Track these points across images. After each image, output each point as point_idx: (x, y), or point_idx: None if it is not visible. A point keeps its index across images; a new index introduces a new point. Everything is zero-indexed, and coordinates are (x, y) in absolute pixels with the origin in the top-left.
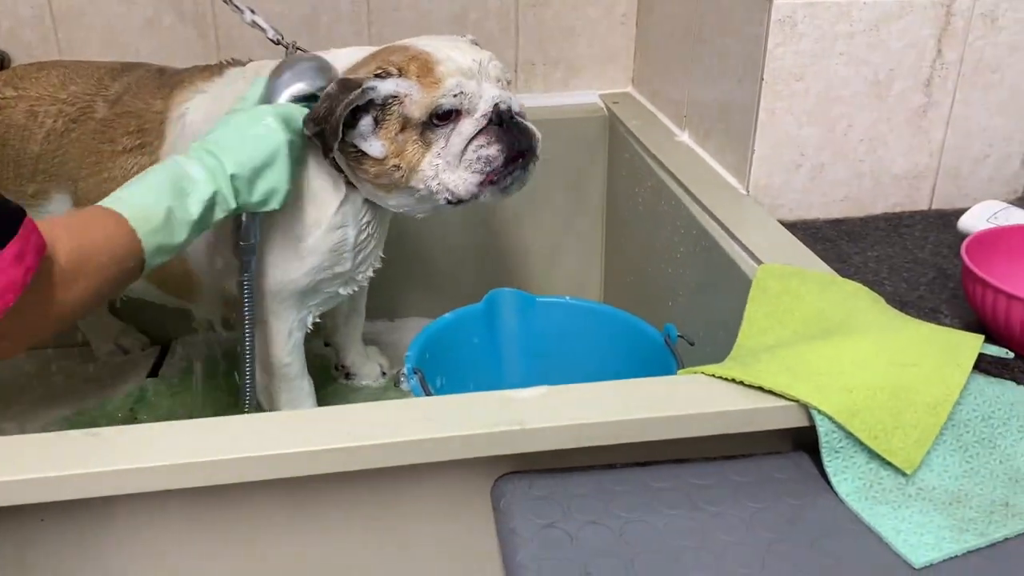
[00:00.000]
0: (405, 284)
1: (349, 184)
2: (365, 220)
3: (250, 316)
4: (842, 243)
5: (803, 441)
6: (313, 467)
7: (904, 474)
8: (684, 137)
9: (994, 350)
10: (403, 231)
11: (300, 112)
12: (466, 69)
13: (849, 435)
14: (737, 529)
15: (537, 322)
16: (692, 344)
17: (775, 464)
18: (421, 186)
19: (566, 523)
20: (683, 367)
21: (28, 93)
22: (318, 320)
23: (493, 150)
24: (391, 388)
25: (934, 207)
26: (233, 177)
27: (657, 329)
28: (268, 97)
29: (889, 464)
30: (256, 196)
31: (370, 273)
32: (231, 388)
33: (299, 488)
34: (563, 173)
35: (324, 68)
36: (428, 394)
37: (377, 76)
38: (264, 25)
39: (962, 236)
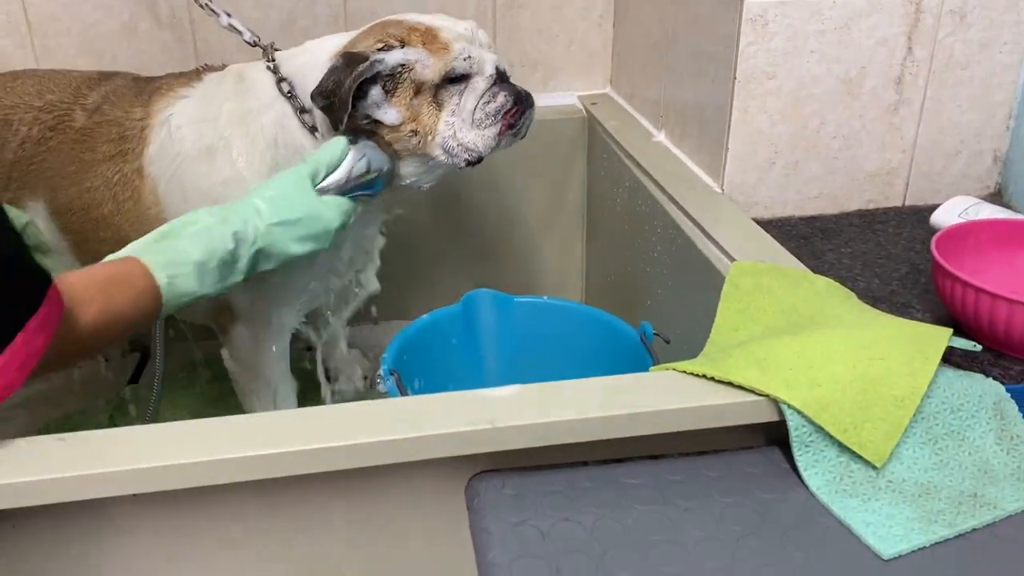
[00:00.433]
0: (387, 286)
1: None
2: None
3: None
4: (816, 240)
5: (775, 436)
6: (288, 468)
7: (874, 467)
8: (661, 137)
9: (962, 343)
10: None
11: (349, 207)
12: (466, 35)
13: (819, 429)
14: (708, 524)
15: (515, 322)
16: (668, 341)
17: (747, 459)
18: (438, 151)
19: (538, 520)
20: (658, 364)
21: (2, 102)
22: (303, 320)
23: (501, 98)
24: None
25: (908, 203)
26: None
27: (634, 327)
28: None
29: (859, 457)
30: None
31: (357, 266)
32: (210, 393)
33: (274, 490)
34: (543, 174)
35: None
36: (404, 395)
37: (380, 50)
38: (240, 28)
39: (935, 231)
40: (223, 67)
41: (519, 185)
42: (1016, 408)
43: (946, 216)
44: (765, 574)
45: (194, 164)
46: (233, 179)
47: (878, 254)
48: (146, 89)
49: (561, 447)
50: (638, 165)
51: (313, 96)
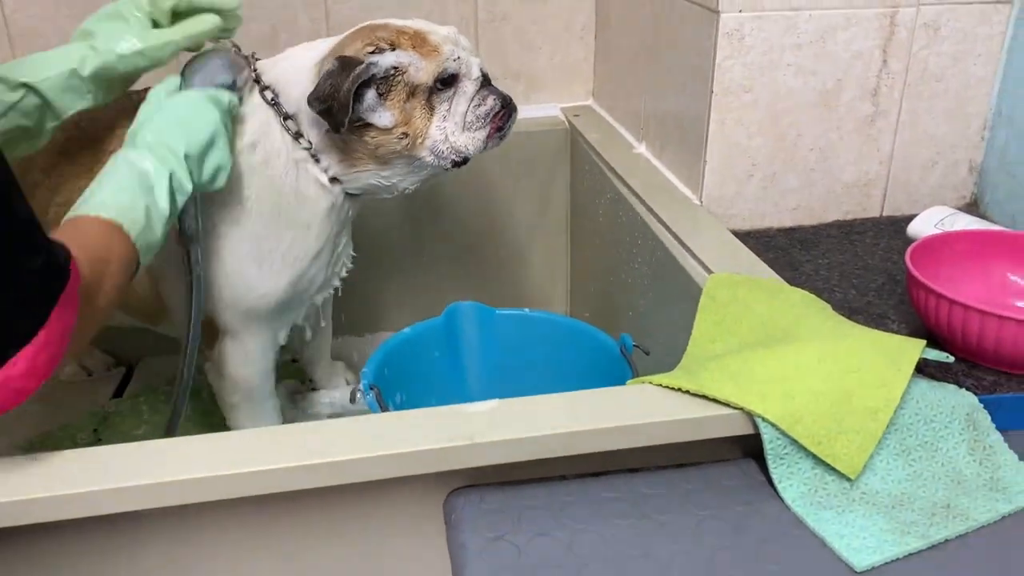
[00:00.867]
0: (372, 299)
1: (334, 181)
2: (347, 216)
3: (196, 321)
4: (794, 251)
5: (751, 448)
6: (266, 487)
7: (848, 479)
8: (642, 149)
9: (935, 354)
10: (369, 246)
11: (224, 94)
12: (452, 38)
13: (793, 442)
14: (684, 537)
15: (497, 335)
16: (648, 353)
17: (723, 472)
18: (426, 152)
19: (515, 536)
20: (638, 376)
21: None
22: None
23: (490, 102)
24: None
25: (886, 214)
26: (186, 158)
27: (616, 339)
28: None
29: (833, 469)
30: (205, 176)
31: (343, 273)
32: (195, 408)
33: (252, 508)
34: (527, 186)
35: (234, 63)
36: (384, 410)
37: (371, 53)
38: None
39: (912, 242)
40: None
41: (503, 197)
42: (988, 418)
43: (923, 226)
44: None
45: None
46: None
47: (855, 265)
48: (126, 105)
49: (539, 462)
50: (619, 177)
51: (310, 101)
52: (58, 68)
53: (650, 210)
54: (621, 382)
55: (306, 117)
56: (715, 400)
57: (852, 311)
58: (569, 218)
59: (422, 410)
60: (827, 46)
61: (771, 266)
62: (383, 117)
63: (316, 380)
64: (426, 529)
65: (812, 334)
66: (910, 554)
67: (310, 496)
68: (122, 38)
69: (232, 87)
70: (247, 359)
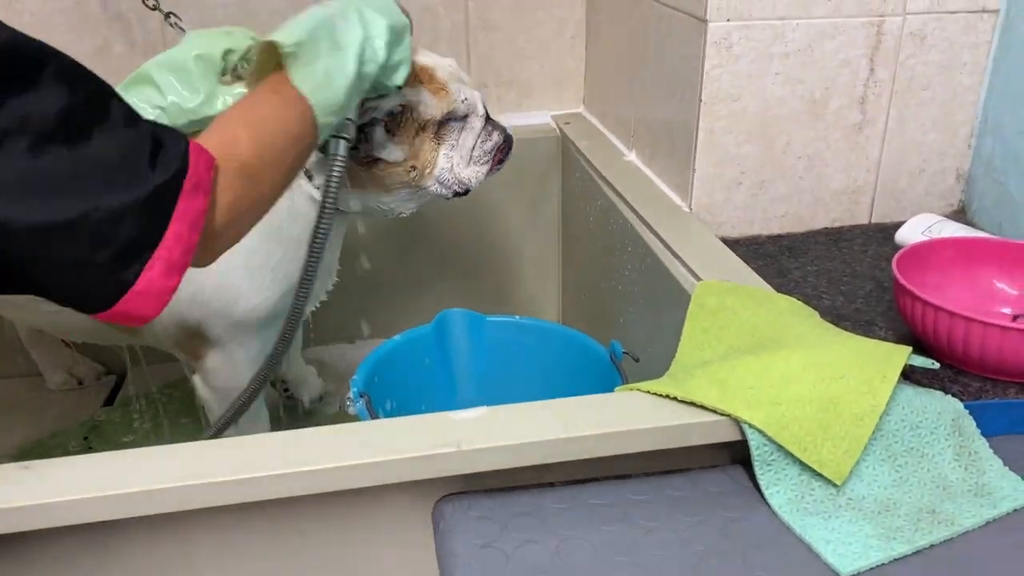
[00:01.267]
0: (362, 306)
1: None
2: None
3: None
4: (783, 258)
5: (739, 455)
6: (254, 494)
7: (834, 485)
8: (632, 157)
9: (920, 361)
10: (359, 252)
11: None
12: (456, 74)
13: (780, 448)
14: (671, 543)
15: (487, 342)
16: (637, 360)
17: (711, 478)
18: (432, 183)
19: (503, 543)
20: (627, 383)
21: None
22: None
23: (496, 137)
24: (328, 405)
25: (874, 221)
26: (387, 28)
27: (606, 346)
28: None
29: (820, 475)
30: (394, 59)
31: (329, 287)
32: (185, 416)
33: (240, 515)
34: (518, 193)
35: None
36: (374, 417)
37: None
38: None
39: (899, 249)
40: None
41: (495, 204)
42: (974, 424)
43: (910, 234)
44: None
45: None
46: None
47: (843, 272)
48: None
49: (527, 469)
50: (609, 184)
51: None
52: None
53: (640, 217)
54: (611, 389)
55: None
56: (702, 407)
57: (840, 318)
58: (560, 225)
59: (410, 417)
60: (815, 55)
61: (760, 273)
62: (393, 152)
63: (289, 384)
64: (414, 536)
65: (799, 341)
66: (896, 560)
67: (298, 504)
68: (195, 95)
69: None
70: (236, 369)
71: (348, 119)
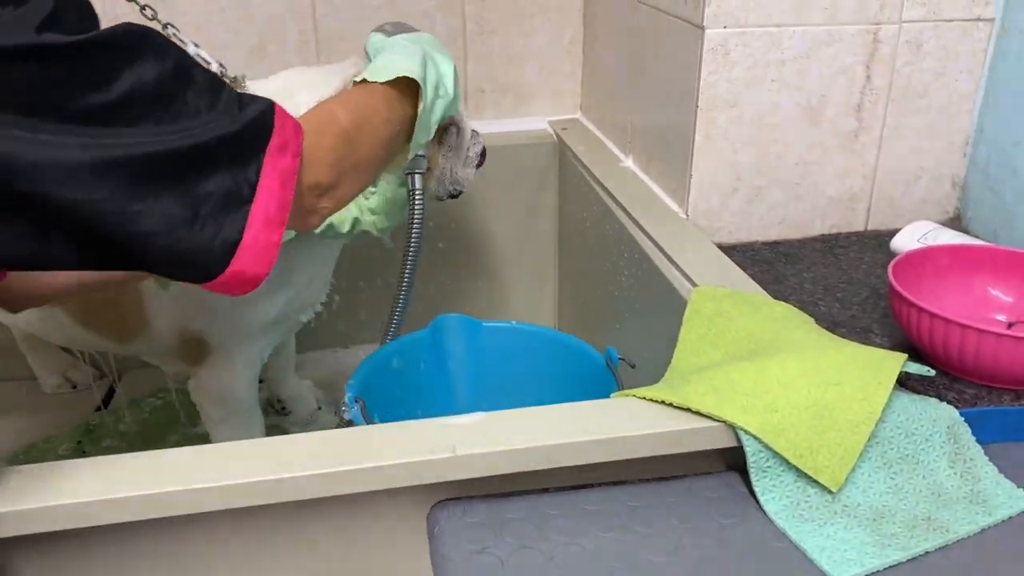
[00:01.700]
0: (358, 311)
1: None
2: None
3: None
4: (779, 264)
5: (735, 461)
6: (249, 498)
7: (830, 491)
8: (628, 162)
9: (916, 368)
10: (355, 257)
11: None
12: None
13: (776, 454)
14: (666, 550)
15: (484, 347)
16: (633, 366)
17: (707, 484)
18: (433, 183)
19: (498, 549)
20: (624, 389)
21: None
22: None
23: (480, 141)
24: (326, 415)
25: (869, 228)
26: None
27: (602, 352)
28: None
29: (815, 482)
30: (458, 95)
31: (323, 297)
32: (179, 420)
33: (235, 520)
34: (515, 199)
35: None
36: (369, 423)
37: None
38: (209, 59)
39: (895, 256)
40: None
41: (491, 209)
42: (969, 432)
43: (906, 241)
44: None
45: None
46: None
47: (839, 278)
48: None
49: (523, 474)
50: (606, 190)
51: None
52: None
53: (636, 223)
54: (607, 395)
55: None
56: (698, 413)
57: (836, 324)
58: (556, 231)
59: (405, 422)
60: (811, 62)
61: (756, 280)
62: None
63: (285, 399)
64: (409, 542)
65: (795, 347)
66: (891, 567)
67: (293, 509)
68: None
69: None
70: (234, 375)
71: (420, 155)
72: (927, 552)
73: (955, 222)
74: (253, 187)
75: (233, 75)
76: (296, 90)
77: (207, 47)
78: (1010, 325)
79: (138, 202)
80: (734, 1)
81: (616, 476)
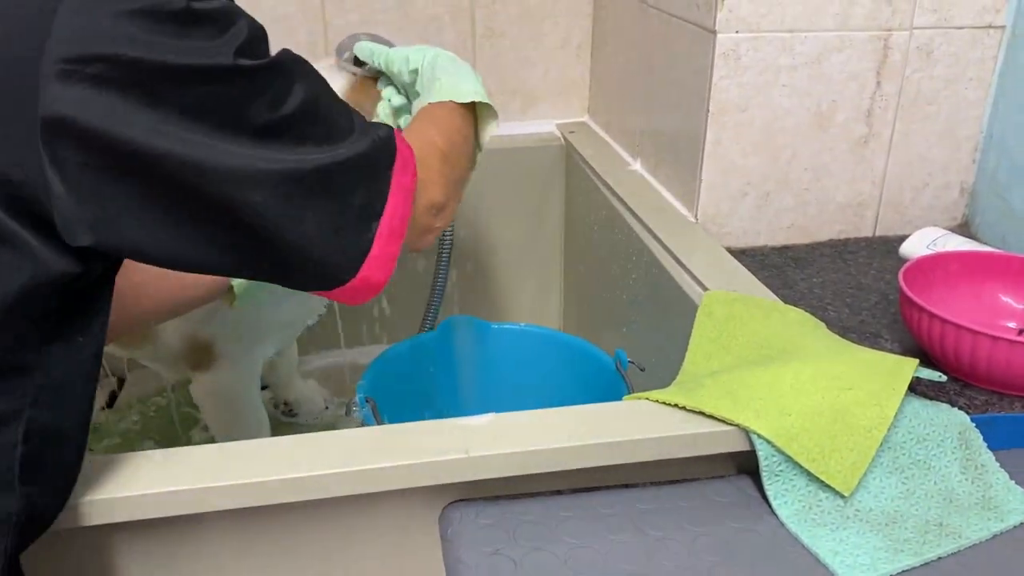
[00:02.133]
0: (362, 311)
1: None
2: None
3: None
4: (788, 269)
5: (746, 465)
6: (261, 498)
7: (842, 496)
8: (637, 166)
9: (927, 373)
10: None
11: None
12: None
13: (788, 459)
14: (680, 553)
15: (493, 349)
16: (643, 369)
17: (719, 488)
18: None
19: (511, 550)
20: (633, 392)
21: None
22: None
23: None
24: (339, 419)
25: (878, 233)
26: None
27: (610, 355)
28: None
29: (828, 487)
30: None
31: (327, 300)
32: (184, 421)
33: (242, 520)
34: (521, 202)
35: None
36: (380, 423)
37: None
38: None
39: (904, 262)
40: None
41: (498, 212)
42: (980, 437)
43: (915, 247)
44: None
45: None
46: None
47: (848, 284)
48: None
49: (535, 476)
50: (614, 193)
51: None
52: None
53: (646, 227)
54: (616, 398)
55: None
56: (711, 416)
57: (846, 329)
58: (563, 233)
59: (419, 423)
60: (822, 67)
61: (766, 284)
62: None
63: (292, 402)
64: (421, 543)
65: (807, 352)
66: (904, 572)
67: (304, 509)
68: None
69: None
70: (238, 378)
71: None
72: (939, 558)
73: (963, 228)
74: (384, 202)
75: None
76: None
77: None
78: (1021, 332)
79: (302, 210)
80: (746, 6)
81: (627, 479)
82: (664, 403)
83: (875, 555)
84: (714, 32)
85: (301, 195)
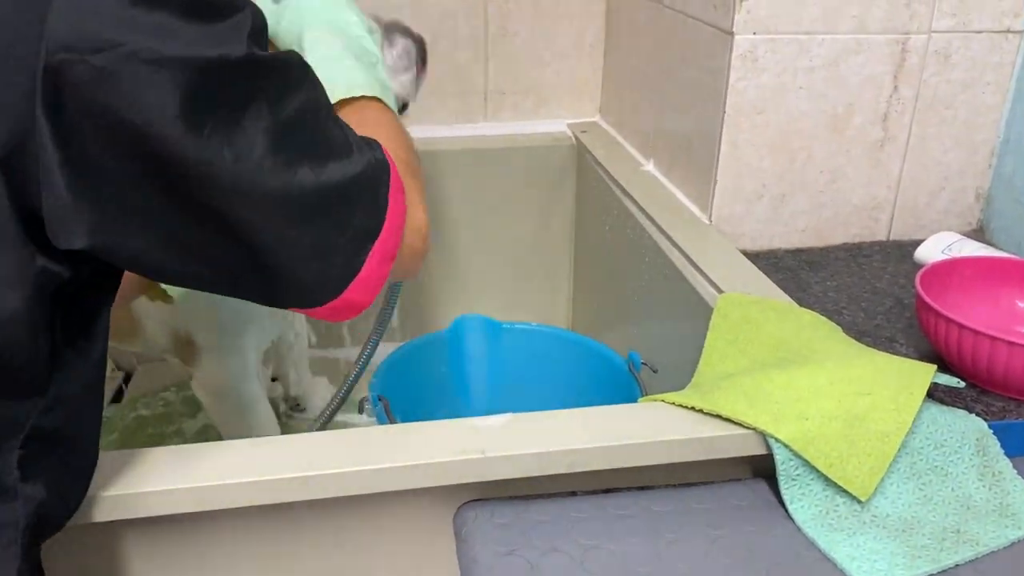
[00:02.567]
0: (371, 309)
1: None
2: None
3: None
4: (803, 272)
5: (762, 469)
6: (275, 496)
7: (859, 501)
8: (649, 167)
9: (945, 379)
10: None
11: None
12: None
13: (805, 463)
14: (695, 556)
15: (504, 348)
16: (656, 371)
17: (734, 491)
18: None
19: (527, 551)
20: (646, 394)
21: None
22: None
23: (399, 40)
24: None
25: (892, 237)
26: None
27: (622, 356)
28: None
29: (845, 491)
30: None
31: None
32: (191, 416)
33: (255, 518)
34: (532, 201)
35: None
36: (392, 422)
37: None
38: None
39: (918, 266)
40: None
41: (508, 211)
42: (998, 444)
43: (930, 252)
44: None
45: None
46: None
47: (863, 288)
48: None
49: (550, 477)
50: (626, 194)
51: None
52: None
53: (659, 228)
54: (628, 399)
55: None
56: (728, 420)
57: (861, 334)
58: (574, 233)
59: (434, 422)
60: (839, 70)
61: (780, 287)
62: None
63: (298, 396)
64: (436, 543)
65: (824, 356)
66: None
67: (317, 507)
68: None
69: None
70: (227, 371)
71: None
72: (957, 564)
73: (978, 233)
74: (381, 223)
75: None
76: None
77: None
78: None
79: (297, 229)
80: (764, 8)
81: (642, 481)
82: (680, 405)
83: (892, 561)
84: (731, 33)
85: (303, 213)
